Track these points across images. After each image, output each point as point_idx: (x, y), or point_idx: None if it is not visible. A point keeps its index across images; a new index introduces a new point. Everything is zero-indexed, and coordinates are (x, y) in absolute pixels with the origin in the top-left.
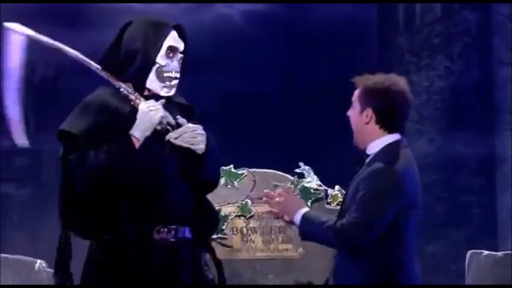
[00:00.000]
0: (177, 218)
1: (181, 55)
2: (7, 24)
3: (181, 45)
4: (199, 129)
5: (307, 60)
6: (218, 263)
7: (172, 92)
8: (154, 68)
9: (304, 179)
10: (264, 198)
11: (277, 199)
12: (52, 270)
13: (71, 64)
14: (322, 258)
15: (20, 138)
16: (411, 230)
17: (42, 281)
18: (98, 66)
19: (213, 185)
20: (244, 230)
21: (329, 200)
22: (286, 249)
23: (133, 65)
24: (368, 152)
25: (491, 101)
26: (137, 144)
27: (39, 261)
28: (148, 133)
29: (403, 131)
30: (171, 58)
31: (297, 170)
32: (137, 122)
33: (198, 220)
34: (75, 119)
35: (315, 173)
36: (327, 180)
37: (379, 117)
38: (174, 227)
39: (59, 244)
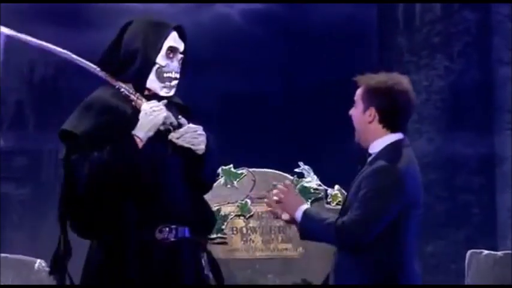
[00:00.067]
0: (178, 218)
1: (181, 56)
2: None
3: (181, 46)
4: (199, 129)
5: (307, 59)
6: (215, 263)
7: (172, 93)
8: (154, 68)
9: (303, 179)
10: (266, 200)
11: (275, 198)
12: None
13: (71, 64)
14: (321, 258)
15: None
16: (412, 230)
17: (42, 281)
18: (93, 66)
19: (210, 185)
20: (244, 229)
21: (329, 200)
22: (286, 249)
23: (134, 65)
24: (370, 151)
25: (491, 100)
26: (140, 144)
27: (38, 260)
28: (151, 133)
29: (405, 131)
30: (171, 58)
31: (297, 170)
32: (140, 122)
33: (197, 220)
34: (77, 119)
35: (315, 173)
36: (327, 179)
37: (382, 117)
38: (174, 226)
39: (58, 244)
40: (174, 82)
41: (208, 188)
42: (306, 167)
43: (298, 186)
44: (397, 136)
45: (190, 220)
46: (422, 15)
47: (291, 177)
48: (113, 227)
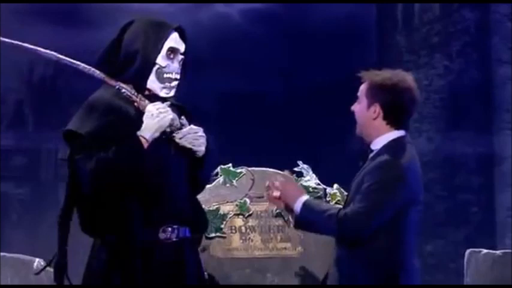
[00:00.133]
0: (179, 218)
1: (181, 56)
2: None
3: (182, 47)
4: (200, 131)
5: (307, 59)
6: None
7: (172, 93)
8: (155, 68)
9: (302, 178)
10: (266, 189)
11: (275, 194)
12: (51, 269)
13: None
14: (320, 257)
15: None
16: (412, 226)
17: (41, 280)
18: (91, 68)
19: (205, 186)
20: (243, 228)
21: (327, 199)
22: (285, 248)
23: (134, 66)
24: (373, 147)
25: (490, 100)
26: (145, 145)
27: (37, 259)
28: (157, 134)
29: (407, 128)
30: (171, 59)
31: (296, 169)
32: (146, 123)
33: (195, 220)
34: (81, 120)
35: (314, 172)
36: (326, 179)
37: (387, 113)
38: (176, 226)
39: (58, 250)
40: (174, 83)
41: (203, 188)
42: (305, 166)
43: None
44: (400, 133)
45: (190, 220)
46: (422, 15)
47: (290, 176)
48: (117, 226)
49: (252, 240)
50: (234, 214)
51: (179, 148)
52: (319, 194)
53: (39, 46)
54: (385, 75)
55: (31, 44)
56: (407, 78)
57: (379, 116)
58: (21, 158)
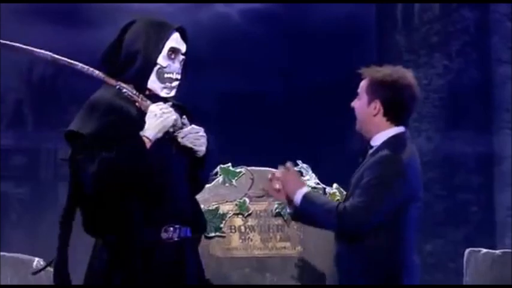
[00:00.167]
0: (180, 218)
1: (182, 57)
2: None
3: (183, 47)
4: (201, 131)
5: (307, 58)
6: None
7: (172, 93)
8: (155, 68)
9: (302, 177)
10: (269, 181)
11: (277, 185)
12: (50, 269)
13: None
14: (320, 257)
15: None
16: (412, 222)
17: (40, 280)
18: (85, 66)
19: (204, 186)
20: (243, 228)
21: None
22: (284, 247)
23: (134, 66)
24: (372, 143)
25: (489, 99)
26: (148, 145)
27: (37, 259)
28: (160, 135)
29: (407, 124)
30: (172, 59)
31: (295, 168)
32: (149, 123)
33: (195, 220)
34: (83, 120)
35: (313, 172)
36: (325, 178)
37: (387, 110)
38: (178, 226)
39: (58, 251)
40: (175, 83)
41: (202, 188)
42: (305, 165)
43: None
44: (400, 129)
45: (190, 220)
46: (421, 15)
47: None
48: (119, 226)
49: (251, 240)
50: (234, 213)
51: (180, 148)
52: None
53: (39, 46)
54: (385, 71)
55: (31, 44)
56: (408, 75)
57: (379, 113)
58: (21, 157)
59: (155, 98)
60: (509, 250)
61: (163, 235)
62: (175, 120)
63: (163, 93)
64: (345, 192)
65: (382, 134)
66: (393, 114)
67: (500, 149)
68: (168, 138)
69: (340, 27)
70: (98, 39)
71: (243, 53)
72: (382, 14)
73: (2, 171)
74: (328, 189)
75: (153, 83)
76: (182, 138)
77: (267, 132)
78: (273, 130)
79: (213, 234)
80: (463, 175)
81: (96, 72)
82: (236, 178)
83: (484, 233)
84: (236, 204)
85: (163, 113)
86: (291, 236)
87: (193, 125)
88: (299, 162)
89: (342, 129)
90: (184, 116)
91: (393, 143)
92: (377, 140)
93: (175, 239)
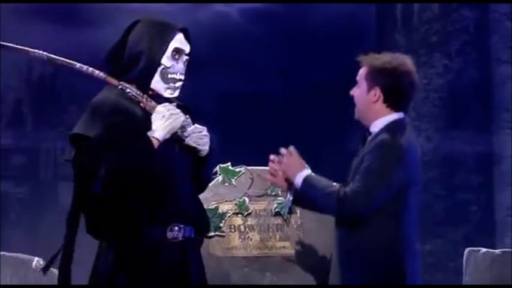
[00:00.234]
0: (183, 217)
1: (186, 57)
2: None
3: (187, 48)
4: (204, 130)
5: (307, 58)
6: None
7: (176, 94)
8: (159, 69)
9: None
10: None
11: (277, 166)
12: (52, 270)
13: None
14: (319, 256)
15: None
16: (412, 208)
17: (40, 279)
18: (84, 66)
19: (207, 185)
20: (242, 227)
21: None
22: (284, 247)
23: (138, 66)
24: (372, 129)
25: (489, 99)
26: (156, 146)
27: (36, 258)
28: (169, 136)
29: (407, 111)
30: (176, 60)
31: None
32: (157, 124)
33: (199, 219)
34: (88, 122)
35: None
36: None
37: (387, 96)
38: (182, 226)
39: (63, 250)
40: (179, 83)
41: (205, 188)
42: None
43: None
44: (399, 115)
45: (194, 219)
46: (421, 14)
47: None
48: (125, 227)
49: (251, 239)
50: (233, 213)
51: (183, 147)
52: None
53: (39, 46)
54: (384, 58)
55: (31, 44)
56: (407, 61)
57: (379, 100)
58: (21, 157)
59: (158, 98)
60: (509, 250)
61: (169, 234)
62: (183, 121)
63: (166, 94)
64: None
65: (382, 119)
66: (393, 101)
67: (500, 148)
68: (171, 137)
69: (340, 27)
70: (98, 39)
71: (243, 53)
72: (382, 14)
73: (2, 171)
74: None
75: (156, 83)
76: (186, 137)
77: (267, 132)
78: (273, 130)
79: (212, 233)
80: (462, 175)
81: (97, 72)
82: (236, 177)
83: (483, 232)
84: (236, 204)
85: (172, 114)
86: (291, 236)
87: (196, 125)
88: None
89: (342, 129)
90: (187, 116)
91: (393, 128)
92: (376, 126)
93: (180, 239)
